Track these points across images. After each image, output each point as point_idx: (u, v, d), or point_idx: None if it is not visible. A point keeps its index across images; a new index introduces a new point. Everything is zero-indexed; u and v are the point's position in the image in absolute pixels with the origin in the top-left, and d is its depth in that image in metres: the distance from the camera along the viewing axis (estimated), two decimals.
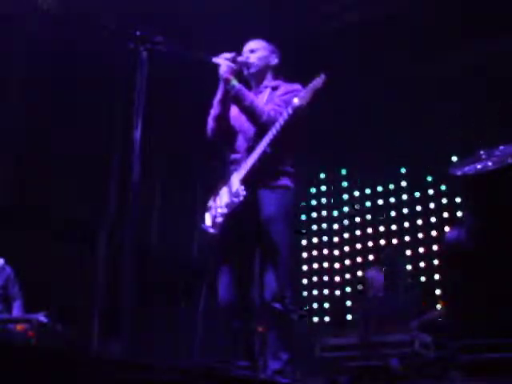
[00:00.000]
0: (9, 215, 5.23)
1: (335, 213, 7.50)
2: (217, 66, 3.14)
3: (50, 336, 3.83)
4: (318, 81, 2.91)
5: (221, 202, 3.07)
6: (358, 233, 7.26)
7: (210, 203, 3.14)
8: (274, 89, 3.24)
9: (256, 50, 3.29)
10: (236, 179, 3.02)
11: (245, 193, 2.94)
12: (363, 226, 7.24)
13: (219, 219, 3.05)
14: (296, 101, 2.85)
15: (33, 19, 5.44)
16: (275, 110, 3.03)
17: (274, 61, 3.34)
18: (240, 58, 3.24)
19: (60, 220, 5.71)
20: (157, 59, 2.78)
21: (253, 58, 3.26)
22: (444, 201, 6.73)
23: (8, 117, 5.67)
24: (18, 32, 5.52)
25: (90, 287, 5.85)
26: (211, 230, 3.09)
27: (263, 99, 3.19)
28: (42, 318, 3.87)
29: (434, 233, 6.72)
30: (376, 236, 7.11)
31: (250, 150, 3.03)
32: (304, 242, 7.52)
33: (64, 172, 5.81)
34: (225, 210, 3.02)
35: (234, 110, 3.32)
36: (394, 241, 6.96)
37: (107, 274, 5.99)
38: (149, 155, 2.79)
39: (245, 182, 2.97)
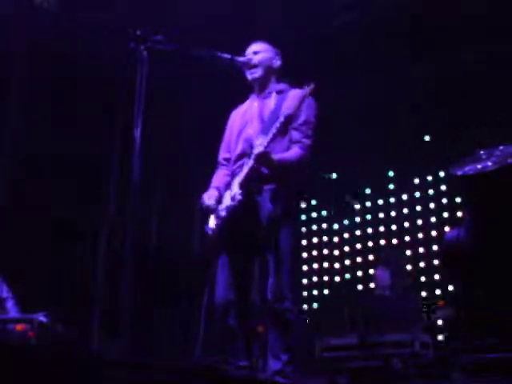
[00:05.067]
0: (9, 215, 5.22)
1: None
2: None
3: (50, 336, 3.82)
4: (307, 90, 3.02)
5: (222, 205, 3.09)
6: (357, 233, 7.26)
7: (215, 206, 3.15)
8: (279, 92, 3.25)
9: (259, 52, 3.30)
10: (236, 183, 3.05)
11: (241, 197, 2.97)
12: (363, 225, 7.24)
13: (218, 221, 3.07)
14: (288, 111, 2.97)
15: (33, 19, 5.44)
16: (303, 149, 3.13)
17: (277, 63, 3.34)
18: (242, 59, 3.25)
19: (60, 220, 5.71)
20: (157, 58, 2.78)
21: (256, 60, 3.27)
22: (444, 201, 6.73)
23: (8, 117, 5.67)
24: (18, 32, 5.52)
25: (90, 287, 5.86)
26: (211, 232, 3.10)
27: (271, 105, 3.20)
28: (42, 318, 3.86)
29: (433, 233, 6.72)
30: (376, 236, 7.11)
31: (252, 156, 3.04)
32: (304, 242, 7.53)
33: (64, 172, 5.81)
34: (224, 213, 3.04)
35: (236, 118, 3.33)
36: (394, 241, 6.97)
37: (107, 274, 5.99)
38: (149, 155, 2.79)
39: (243, 185, 3.00)
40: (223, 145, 3.42)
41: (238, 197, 2.98)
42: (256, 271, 3.13)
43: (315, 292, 7.33)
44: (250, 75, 3.27)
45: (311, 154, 3.18)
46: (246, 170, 3.02)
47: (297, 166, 3.13)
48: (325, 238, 7.48)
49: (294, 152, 3.11)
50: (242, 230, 3.04)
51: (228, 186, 3.17)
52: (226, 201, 3.08)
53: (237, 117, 3.36)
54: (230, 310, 3.04)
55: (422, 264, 6.67)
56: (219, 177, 3.32)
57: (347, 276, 7.19)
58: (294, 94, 3.19)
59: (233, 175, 3.17)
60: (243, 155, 3.14)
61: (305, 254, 7.50)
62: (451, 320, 4.97)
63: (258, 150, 2.95)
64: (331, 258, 7.36)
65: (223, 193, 3.16)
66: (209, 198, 3.17)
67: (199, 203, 3.20)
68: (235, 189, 3.03)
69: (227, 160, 3.35)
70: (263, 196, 3.05)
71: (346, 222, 7.34)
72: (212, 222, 3.13)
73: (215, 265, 3.17)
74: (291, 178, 3.15)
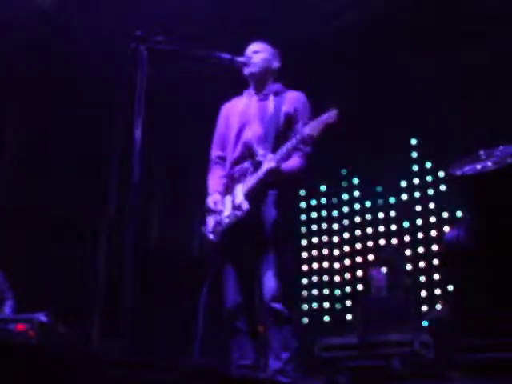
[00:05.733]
0: (9, 215, 5.23)
1: (335, 213, 7.51)
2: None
3: (51, 336, 3.83)
4: (331, 115, 2.84)
5: (224, 211, 3.07)
6: (357, 233, 7.27)
7: (214, 208, 3.13)
8: (276, 94, 3.24)
9: (259, 52, 3.30)
10: (240, 192, 3.02)
11: (247, 207, 2.95)
12: (363, 225, 7.25)
13: (220, 228, 3.05)
14: (307, 130, 2.83)
15: (33, 19, 5.44)
16: (303, 157, 3.11)
17: (276, 64, 3.34)
18: (242, 59, 3.25)
19: (60, 220, 5.71)
20: (157, 58, 2.78)
21: (256, 59, 3.26)
22: (444, 201, 6.74)
23: (8, 117, 5.68)
24: (18, 32, 5.52)
25: (90, 287, 5.86)
26: (211, 237, 3.08)
27: (270, 107, 3.19)
28: (42, 317, 3.87)
29: (433, 233, 6.72)
30: (376, 236, 7.12)
31: (256, 163, 3.02)
32: (304, 242, 7.53)
33: (64, 172, 5.81)
34: (226, 221, 3.02)
35: (233, 117, 3.32)
36: (394, 241, 6.97)
37: (107, 274, 6.00)
38: (149, 155, 2.79)
39: (249, 196, 2.98)
40: (216, 142, 3.36)
41: (245, 207, 2.96)
42: (258, 273, 3.13)
43: (315, 292, 7.34)
44: (248, 72, 3.26)
45: (310, 162, 3.17)
46: (252, 180, 2.99)
47: (299, 174, 3.14)
48: (325, 238, 7.49)
49: (296, 161, 3.09)
50: (245, 234, 3.03)
51: (226, 188, 3.15)
52: (228, 207, 3.06)
53: (233, 115, 3.31)
54: (239, 314, 3.06)
55: (421, 264, 6.68)
56: (216, 179, 3.28)
57: (347, 276, 7.20)
58: (292, 97, 3.19)
59: (231, 178, 3.14)
60: (242, 159, 3.13)
61: (305, 254, 7.50)
62: (449, 320, 4.96)
63: (269, 165, 2.92)
64: (331, 258, 7.37)
65: (223, 196, 3.14)
66: (215, 203, 3.15)
67: (205, 208, 3.18)
68: (239, 197, 3.00)
69: (221, 158, 3.31)
70: (266, 200, 3.05)
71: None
72: (211, 224, 3.11)
73: (214, 267, 3.18)
74: (292, 184, 3.16)
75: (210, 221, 3.12)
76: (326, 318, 7.14)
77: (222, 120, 3.36)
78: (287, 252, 3.03)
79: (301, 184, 3.32)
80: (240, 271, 3.09)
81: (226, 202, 3.09)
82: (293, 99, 3.17)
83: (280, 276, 2.97)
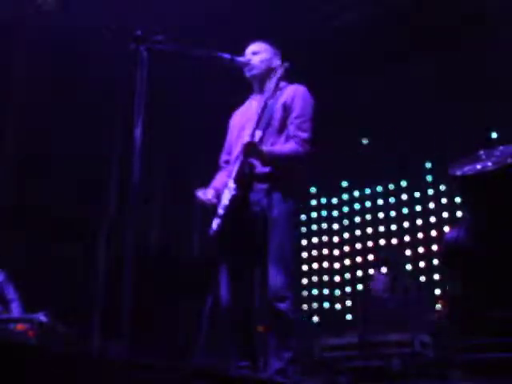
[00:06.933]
0: (9, 215, 5.23)
1: (335, 213, 7.50)
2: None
3: (51, 336, 3.82)
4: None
5: (221, 204, 3.08)
6: (357, 233, 7.26)
7: (212, 202, 3.14)
8: (278, 90, 3.24)
9: (258, 52, 3.29)
10: (230, 179, 3.04)
11: (235, 192, 2.95)
12: (363, 225, 7.24)
13: (218, 221, 3.06)
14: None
15: (33, 20, 5.44)
16: (298, 143, 3.06)
17: (276, 63, 3.33)
18: (242, 60, 3.25)
19: (60, 220, 5.71)
20: (157, 58, 2.78)
21: (255, 60, 3.26)
22: (444, 201, 6.74)
23: (8, 117, 5.68)
24: (18, 32, 5.52)
25: (90, 287, 5.86)
26: (212, 233, 3.09)
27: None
28: (42, 317, 3.87)
29: (433, 233, 6.72)
30: (376, 236, 7.11)
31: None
32: (304, 242, 7.53)
33: (64, 172, 5.81)
34: (221, 211, 3.03)
35: (236, 120, 3.33)
36: (394, 241, 6.97)
37: (107, 274, 5.99)
38: (149, 155, 2.79)
39: (236, 180, 2.99)
40: (224, 148, 3.41)
41: (233, 192, 2.97)
42: (257, 272, 3.12)
43: (315, 292, 7.34)
44: (249, 74, 3.27)
45: (309, 149, 3.08)
46: (237, 164, 3.02)
47: (291, 160, 3.07)
48: (325, 238, 7.48)
49: (288, 146, 3.07)
50: (241, 230, 3.03)
51: (226, 186, 3.16)
52: (225, 200, 3.07)
53: (237, 118, 3.35)
54: (234, 313, 3.04)
55: (421, 264, 6.68)
56: (218, 178, 3.32)
57: (347, 276, 7.20)
58: (291, 89, 3.19)
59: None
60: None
61: (305, 254, 7.50)
62: (450, 319, 4.96)
63: (242, 141, 2.96)
64: (331, 258, 7.37)
65: (222, 192, 3.15)
66: (204, 194, 3.16)
67: (195, 200, 3.19)
68: (230, 184, 3.03)
69: (228, 163, 3.34)
70: (259, 196, 3.03)
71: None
72: (215, 224, 3.12)
73: (219, 266, 3.16)
74: (288, 175, 3.12)
75: (215, 221, 3.12)
76: (326, 318, 7.14)
77: (230, 127, 3.39)
78: (287, 251, 3.01)
79: (302, 181, 3.27)
80: (237, 269, 3.08)
81: (223, 196, 3.10)
82: (291, 90, 3.17)
83: (281, 275, 2.95)
